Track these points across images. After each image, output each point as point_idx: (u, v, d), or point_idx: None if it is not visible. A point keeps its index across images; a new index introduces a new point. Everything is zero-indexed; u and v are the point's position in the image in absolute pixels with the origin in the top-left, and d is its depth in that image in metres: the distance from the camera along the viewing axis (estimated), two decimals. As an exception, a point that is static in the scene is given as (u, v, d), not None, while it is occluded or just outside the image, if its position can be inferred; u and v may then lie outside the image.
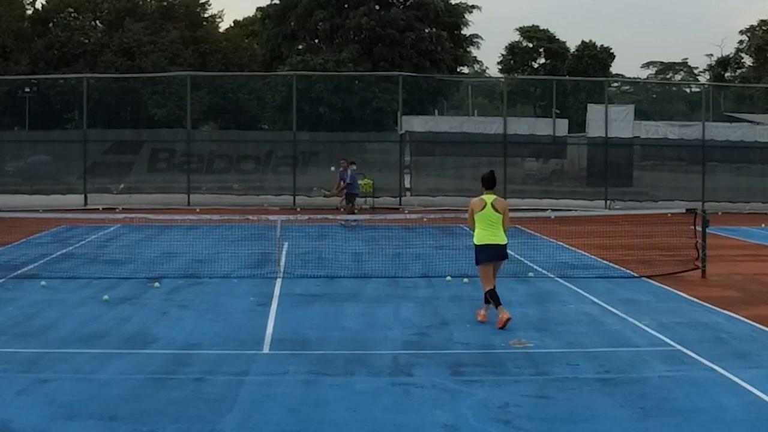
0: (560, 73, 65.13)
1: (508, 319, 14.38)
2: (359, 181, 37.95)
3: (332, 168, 35.00)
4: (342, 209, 32.96)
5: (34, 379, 11.38)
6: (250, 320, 15.20)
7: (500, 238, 14.80)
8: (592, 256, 23.60)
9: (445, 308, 16.28)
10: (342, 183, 32.63)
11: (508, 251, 23.51)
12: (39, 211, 31.37)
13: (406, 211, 35.34)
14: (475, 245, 14.92)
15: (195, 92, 43.49)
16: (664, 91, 75.28)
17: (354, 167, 33.12)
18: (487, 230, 14.74)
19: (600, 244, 25.23)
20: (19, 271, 20.25)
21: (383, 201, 38.34)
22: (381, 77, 52.70)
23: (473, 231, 15.00)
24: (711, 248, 21.13)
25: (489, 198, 14.79)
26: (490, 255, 14.89)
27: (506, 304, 16.73)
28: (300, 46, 63.63)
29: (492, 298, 14.77)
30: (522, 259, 22.89)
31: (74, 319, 15.06)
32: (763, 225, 31.41)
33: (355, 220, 28.98)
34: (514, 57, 72.37)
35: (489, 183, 15.07)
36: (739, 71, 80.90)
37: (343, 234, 28.27)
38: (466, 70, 68.09)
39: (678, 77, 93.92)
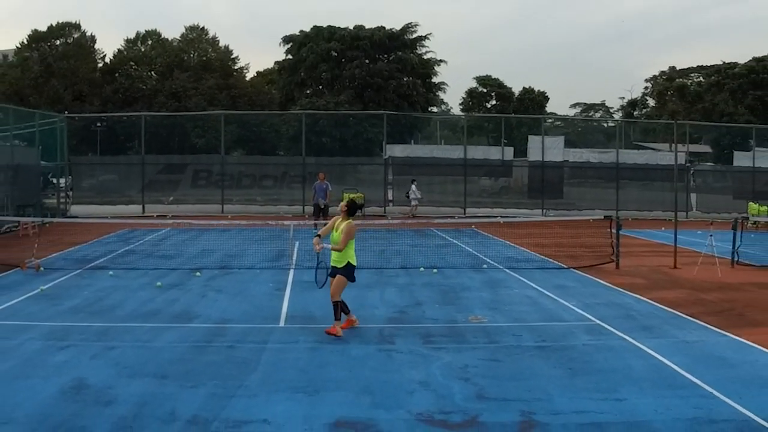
0: (507, 111, 64.90)
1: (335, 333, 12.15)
2: (352, 195, 37.93)
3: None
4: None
5: (104, 346, 11.38)
6: (269, 301, 15.19)
7: None
8: (532, 252, 23.63)
9: (419, 292, 16.29)
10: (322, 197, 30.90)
11: (467, 248, 23.42)
12: (107, 218, 31.33)
13: (389, 218, 35.32)
14: (354, 265, 12.84)
15: (227, 126, 43.43)
16: (587, 125, 75.52)
17: (327, 183, 31.14)
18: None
19: (538, 243, 25.28)
20: (93, 264, 20.21)
21: (371, 210, 38.27)
22: (370, 115, 52.45)
23: (341, 248, 12.69)
24: (623, 246, 21.21)
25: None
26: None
27: (465, 289, 16.80)
28: (308, 91, 63.49)
29: (345, 307, 12.78)
30: (478, 254, 22.94)
31: (135, 301, 15.06)
32: (663, 228, 31.49)
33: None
34: (472, 99, 72.18)
35: (353, 211, 13.04)
36: (644, 110, 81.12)
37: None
38: (435, 109, 67.99)
39: (598, 115, 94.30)
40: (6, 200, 28.39)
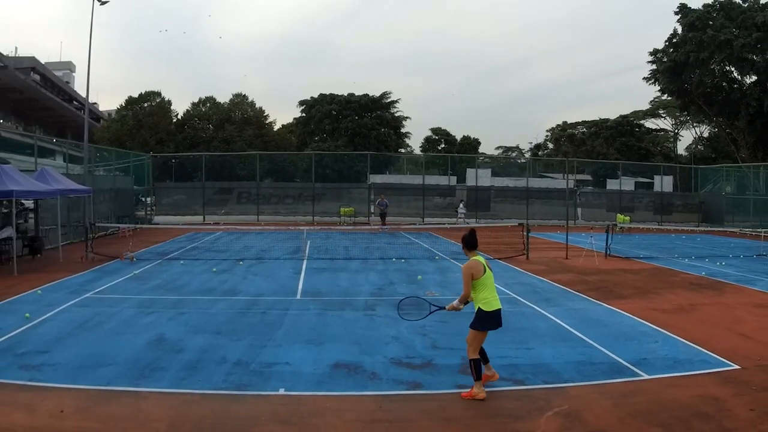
0: (452, 151, 64.80)
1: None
2: (346, 209, 37.90)
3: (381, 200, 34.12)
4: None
5: (177, 312, 11.31)
6: (290, 281, 15.12)
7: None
8: (470, 248, 23.63)
9: (393, 275, 16.28)
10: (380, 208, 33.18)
11: (425, 245, 23.07)
12: (179, 225, 31.05)
13: (371, 225, 35.26)
14: (485, 312, 7.20)
15: (261, 162, 43.06)
16: (506, 161, 75.50)
17: (386, 200, 33.80)
18: (493, 293, 7.34)
19: (473, 242, 25.29)
20: (168, 256, 20.06)
21: (358, 219, 38.20)
22: (358, 154, 52.24)
23: (469, 296, 7.50)
24: (531, 244, 21.32)
25: (482, 259, 7.53)
26: (497, 322, 7.24)
27: (424, 273, 16.73)
28: (316, 138, 63.09)
29: (483, 358, 7.48)
30: (432, 249, 22.96)
31: (198, 281, 14.95)
32: (558, 231, 31.59)
33: (385, 227, 29.39)
34: (428, 143, 71.97)
35: (472, 243, 7.76)
36: (546, 151, 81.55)
37: (339, 235, 28.18)
38: (402, 150, 67.73)
39: (514, 154, 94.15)
40: (110, 212, 28.36)
